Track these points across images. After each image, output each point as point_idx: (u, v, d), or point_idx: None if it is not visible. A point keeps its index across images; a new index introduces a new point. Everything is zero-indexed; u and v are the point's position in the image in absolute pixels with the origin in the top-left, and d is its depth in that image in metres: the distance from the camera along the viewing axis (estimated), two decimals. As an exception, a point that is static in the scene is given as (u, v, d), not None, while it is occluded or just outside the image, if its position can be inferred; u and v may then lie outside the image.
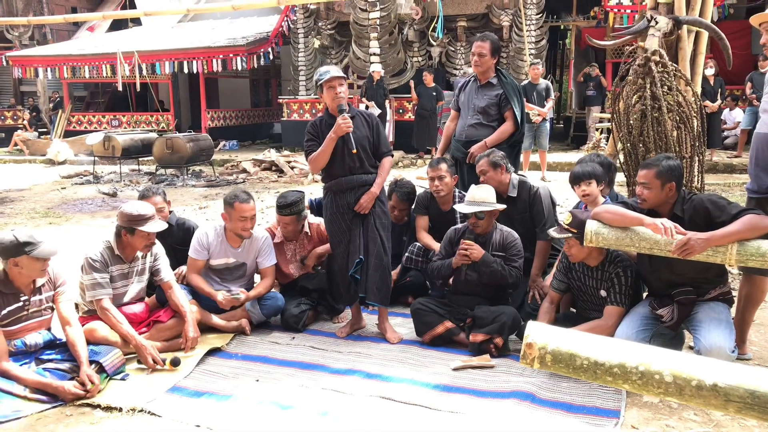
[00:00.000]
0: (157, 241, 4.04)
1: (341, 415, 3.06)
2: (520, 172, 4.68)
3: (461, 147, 4.96)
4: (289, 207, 4.41)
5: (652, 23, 4.52)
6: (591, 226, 3.26)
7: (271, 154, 13.54)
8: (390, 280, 4.16)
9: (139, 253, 3.92)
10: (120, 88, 17.21)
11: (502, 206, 4.01)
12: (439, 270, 4.08)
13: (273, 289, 4.48)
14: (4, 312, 3.32)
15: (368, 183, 4.05)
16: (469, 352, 3.81)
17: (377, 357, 3.80)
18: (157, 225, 3.84)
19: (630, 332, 3.26)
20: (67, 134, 18.08)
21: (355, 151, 3.96)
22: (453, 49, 14.84)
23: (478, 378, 3.48)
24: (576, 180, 3.98)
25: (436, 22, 13.95)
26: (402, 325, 4.27)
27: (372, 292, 4.02)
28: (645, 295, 3.61)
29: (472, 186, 4.13)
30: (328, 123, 4.03)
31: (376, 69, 13.45)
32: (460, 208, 4.03)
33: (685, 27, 4.48)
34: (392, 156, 4.29)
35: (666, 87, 4.07)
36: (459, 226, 4.15)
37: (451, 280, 4.13)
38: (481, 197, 3.94)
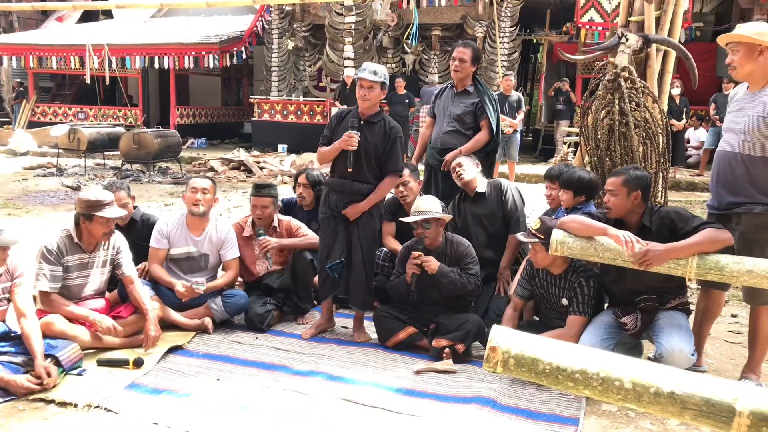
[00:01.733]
0: (120, 234, 3.98)
1: (302, 417, 3.04)
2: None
3: (436, 154, 4.97)
4: (267, 187, 4.47)
5: (623, 40, 4.62)
6: (557, 235, 3.31)
7: (240, 154, 13.44)
8: (367, 290, 4.14)
9: (101, 245, 3.85)
10: (88, 81, 16.89)
11: (449, 216, 4.00)
12: (396, 287, 4.06)
13: (237, 288, 4.43)
14: (-43, 301, 3.22)
15: (360, 193, 4.00)
16: (431, 357, 3.82)
17: (340, 359, 3.79)
18: (115, 211, 3.77)
19: (594, 340, 3.31)
20: (31, 125, 17.67)
21: (350, 170, 3.95)
22: (427, 57, 14.94)
23: (440, 383, 3.49)
24: (548, 176, 4.15)
25: (411, 30, 14.03)
26: (368, 327, 4.26)
27: (354, 300, 4.12)
28: (606, 305, 3.67)
29: (418, 197, 4.13)
30: (352, 118, 4.00)
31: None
32: (406, 219, 3.99)
33: (654, 45, 4.59)
34: (399, 176, 4.19)
35: (634, 103, 4.16)
36: (409, 242, 4.11)
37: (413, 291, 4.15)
38: (426, 206, 3.91)
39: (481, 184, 4.41)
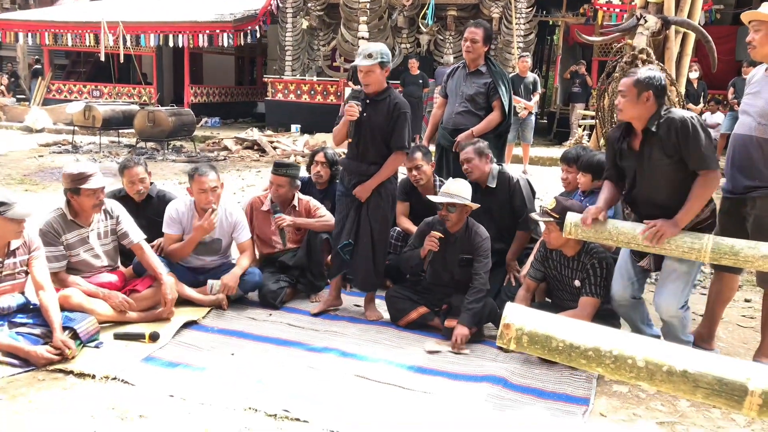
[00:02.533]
0: (117, 203, 4.01)
1: (315, 392, 3.08)
2: (502, 164, 4.70)
3: (448, 135, 4.96)
4: (285, 167, 4.48)
5: (641, 22, 4.58)
6: (571, 218, 3.31)
7: (253, 133, 13.45)
8: (375, 271, 4.14)
9: (97, 216, 3.89)
10: (103, 59, 16.92)
11: (476, 205, 3.94)
12: (408, 260, 4.06)
13: (253, 265, 4.48)
14: (-23, 273, 3.28)
15: (368, 174, 4.00)
16: (443, 336, 3.84)
17: (353, 336, 3.83)
18: (100, 180, 3.79)
19: (626, 284, 3.41)
20: (47, 102, 17.76)
21: (349, 140, 3.95)
22: (442, 37, 14.83)
23: (452, 361, 3.52)
24: (565, 160, 4.13)
25: (427, 9, 13.92)
26: (379, 306, 4.29)
27: (356, 281, 4.15)
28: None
29: (450, 179, 4.10)
30: (363, 99, 4.01)
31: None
32: (434, 198, 3.99)
33: (673, 27, 4.54)
34: (405, 152, 4.09)
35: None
36: (430, 219, 4.11)
37: (426, 269, 4.16)
38: (456, 190, 3.88)
39: (491, 180, 4.33)
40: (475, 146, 4.31)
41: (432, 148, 5.19)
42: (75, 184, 3.71)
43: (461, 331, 3.67)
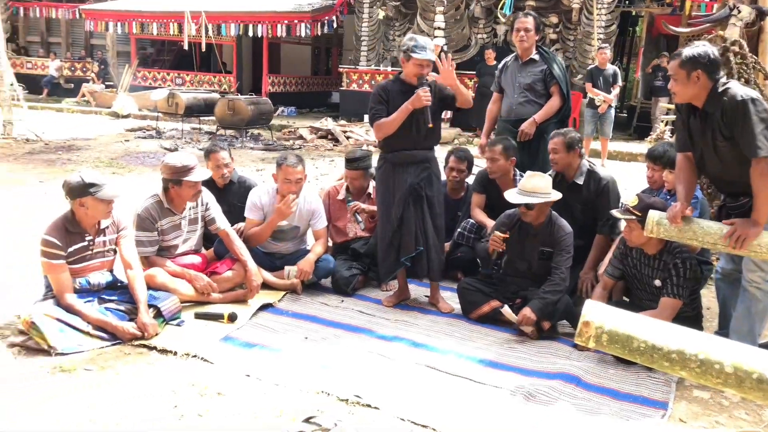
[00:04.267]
0: (206, 189, 4.13)
1: (386, 380, 3.11)
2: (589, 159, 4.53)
3: (511, 126, 4.92)
4: (356, 161, 4.55)
5: (734, 12, 4.37)
6: (653, 216, 3.19)
7: (327, 123, 13.62)
8: (443, 257, 4.18)
9: (189, 203, 4.04)
10: (186, 47, 17.51)
11: (557, 196, 3.81)
12: (481, 251, 4.09)
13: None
14: (70, 250, 3.45)
15: (428, 160, 4.02)
16: (515, 331, 3.80)
17: (423, 327, 3.84)
18: (203, 173, 3.94)
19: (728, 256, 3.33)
20: (132, 89, 18.55)
21: (431, 125, 3.92)
22: (519, 28, 14.55)
23: (524, 357, 3.48)
24: (651, 157, 4.01)
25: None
26: (450, 299, 4.28)
27: (434, 273, 4.12)
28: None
29: (528, 173, 3.96)
30: (400, 90, 3.95)
31: (438, 43, 13.30)
32: (510, 197, 3.85)
33: (769, 18, 4.32)
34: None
35: (743, 80, 3.95)
36: (511, 211, 4.04)
37: (502, 262, 4.11)
38: (532, 187, 3.76)
39: (578, 176, 4.19)
40: (565, 138, 4.15)
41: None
42: (178, 175, 3.87)
43: (528, 313, 3.63)
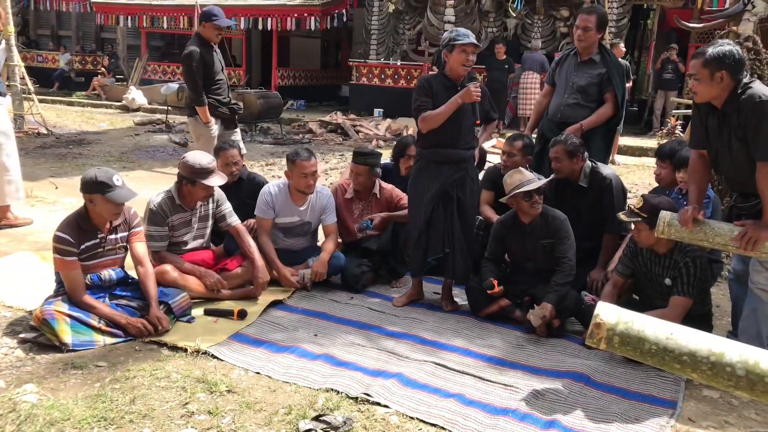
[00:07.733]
0: (217, 187, 4.13)
1: (395, 377, 3.11)
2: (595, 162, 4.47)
3: (554, 127, 4.68)
4: (364, 156, 4.48)
5: (749, 7, 4.33)
6: (664, 216, 3.17)
7: (337, 117, 13.62)
8: (470, 260, 4.09)
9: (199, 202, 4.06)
10: (196, 41, 17.49)
11: (544, 179, 3.85)
12: (484, 276, 3.97)
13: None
14: (82, 247, 3.47)
15: (466, 159, 3.94)
16: (525, 329, 3.80)
17: (433, 324, 3.85)
18: (219, 179, 3.95)
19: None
20: (143, 83, 18.60)
21: (478, 122, 3.87)
22: (530, 21, 14.48)
23: (533, 355, 3.48)
24: (660, 155, 4.00)
25: (516, -6, 13.62)
26: (458, 295, 4.28)
27: (458, 277, 4.06)
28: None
29: (507, 175, 3.93)
30: (444, 85, 3.88)
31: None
32: (509, 192, 3.83)
33: (785, 13, 4.28)
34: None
35: (756, 76, 3.90)
36: (503, 217, 4.02)
37: (507, 259, 4.11)
38: (520, 180, 3.78)
39: (583, 178, 4.16)
40: (565, 146, 4.10)
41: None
42: (194, 176, 3.89)
43: (550, 308, 3.61)
